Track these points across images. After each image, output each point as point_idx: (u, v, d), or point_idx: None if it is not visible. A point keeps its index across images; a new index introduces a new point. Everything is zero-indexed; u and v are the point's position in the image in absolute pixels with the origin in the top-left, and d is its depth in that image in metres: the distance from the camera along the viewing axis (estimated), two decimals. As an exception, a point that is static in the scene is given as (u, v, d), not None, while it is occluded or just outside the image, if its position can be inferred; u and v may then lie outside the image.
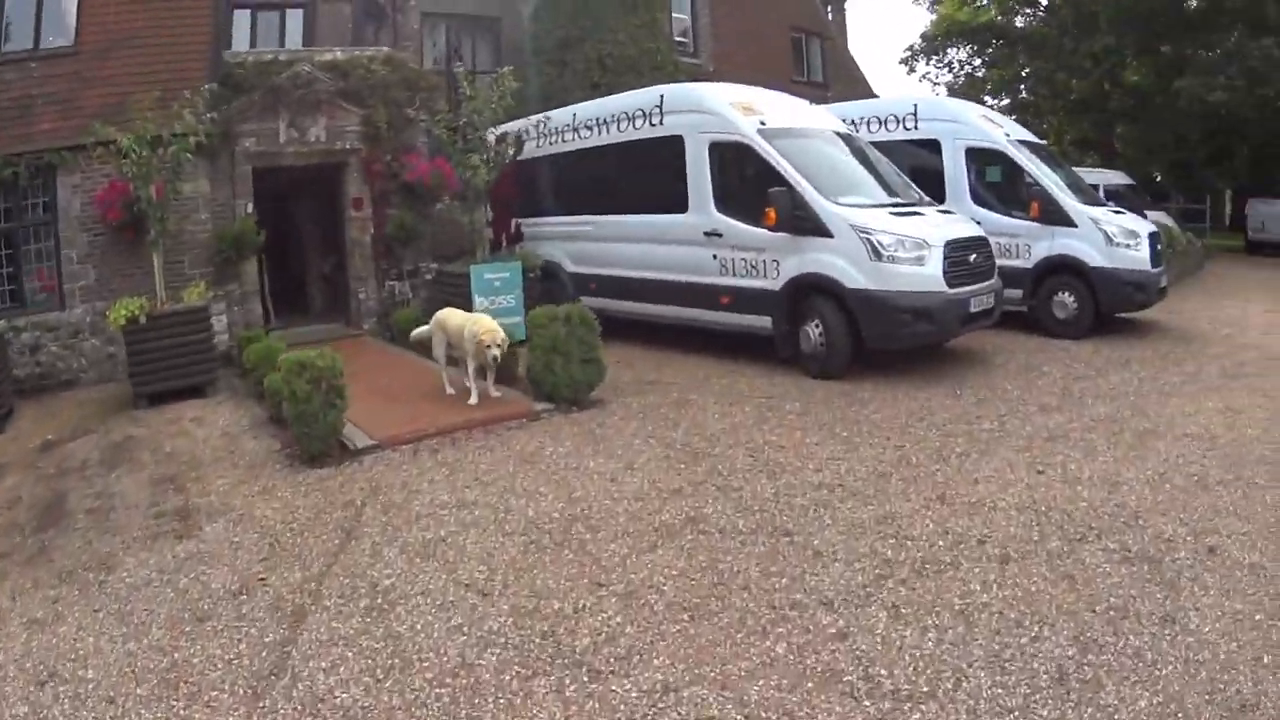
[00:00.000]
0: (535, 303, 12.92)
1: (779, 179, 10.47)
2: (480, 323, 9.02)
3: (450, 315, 9.60)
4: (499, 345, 8.80)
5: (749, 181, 11.01)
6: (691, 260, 11.61)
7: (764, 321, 10.96)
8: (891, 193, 11.23)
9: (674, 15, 21.42)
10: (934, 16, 41.07)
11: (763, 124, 11.16)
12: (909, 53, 39.89)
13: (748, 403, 9.32)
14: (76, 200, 12.44)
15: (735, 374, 10.72)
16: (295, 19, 16.89)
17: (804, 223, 10.23)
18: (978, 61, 38.93)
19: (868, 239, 9.94)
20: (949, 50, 39.22)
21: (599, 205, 13.19)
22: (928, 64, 39.87)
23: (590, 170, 13.47)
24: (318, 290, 17.26)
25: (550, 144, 14.29)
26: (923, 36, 39.66)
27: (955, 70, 39.84)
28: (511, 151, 13.44)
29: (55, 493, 7.66)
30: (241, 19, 16.51)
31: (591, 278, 13.38)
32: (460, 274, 12.58)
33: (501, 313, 12.07)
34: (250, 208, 13.87)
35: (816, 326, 10.32)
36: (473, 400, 9.25)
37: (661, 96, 12.33)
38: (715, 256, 11.36)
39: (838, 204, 10.32)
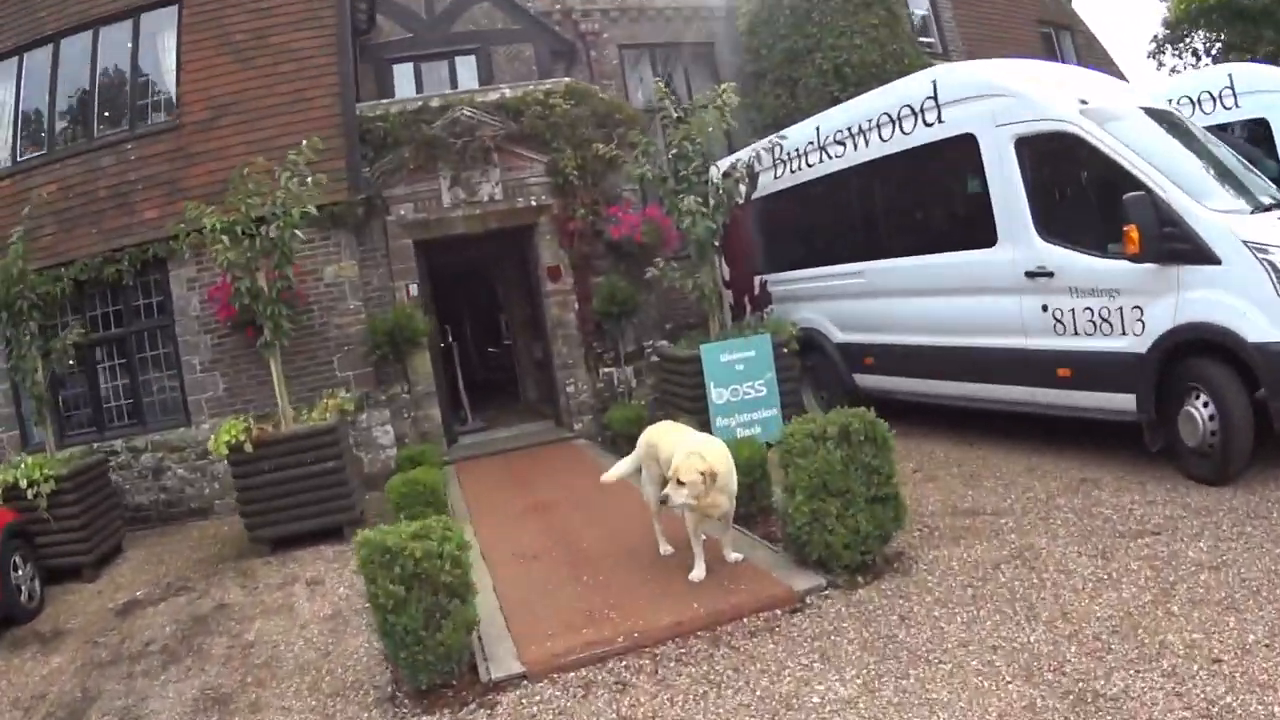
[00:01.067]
0: (795, 387, 9.33)
1: (1131, 181, 6.45)
2: (685, 446, 5.51)
3: (662, 436, 6.01)
4: (704, 481, 5.23)
5: (1083, 190, 7.35)
6: (1009, 315, 7.53)
7: (1123, 401, 6.76)
8: (1251, 190, 6.90)
9: (912, 12, 17.37)
10: (1169, 1, 35.84)
11: (1084, 103, 7.10)
12: (1154, 43, 34.89)
13: (1127, 548, 5.41)
14: (194, 297, 10.09)
15: (1085, 481, 6.86)
16: (467, 66, 14.26)
17: (1176, 244, 6.25)
18: (1218, 47, 33.20)
19: (1270, 264, 5.86)
20: (1191, 36, 33.80)
21: (868, 248, 9.25)
22: (1174, 53, 34.54)
23: (849, 200, 9.58)
24: (530, 381, 14.34)
25: (791, 172, 10.48)
26: (1164, 24, 34.69)
27: (1200, 56, 34.28)
28: (743, 187, 9.82)
29: (86, 695, 5.56)
30: (404, 74, 14.03)
31: (867, 349, 9.39)
32: (685, 358, 8.99)
33: (745, 406, 8.48)
34: (414, 289, 11.00)
35: (1205, 404, 6.23)
36: (695, 575, 5.60)
37: (934, 83, 8.29)
38: (1046, 308, 7.23)
39: (1215, 211, 6.26)
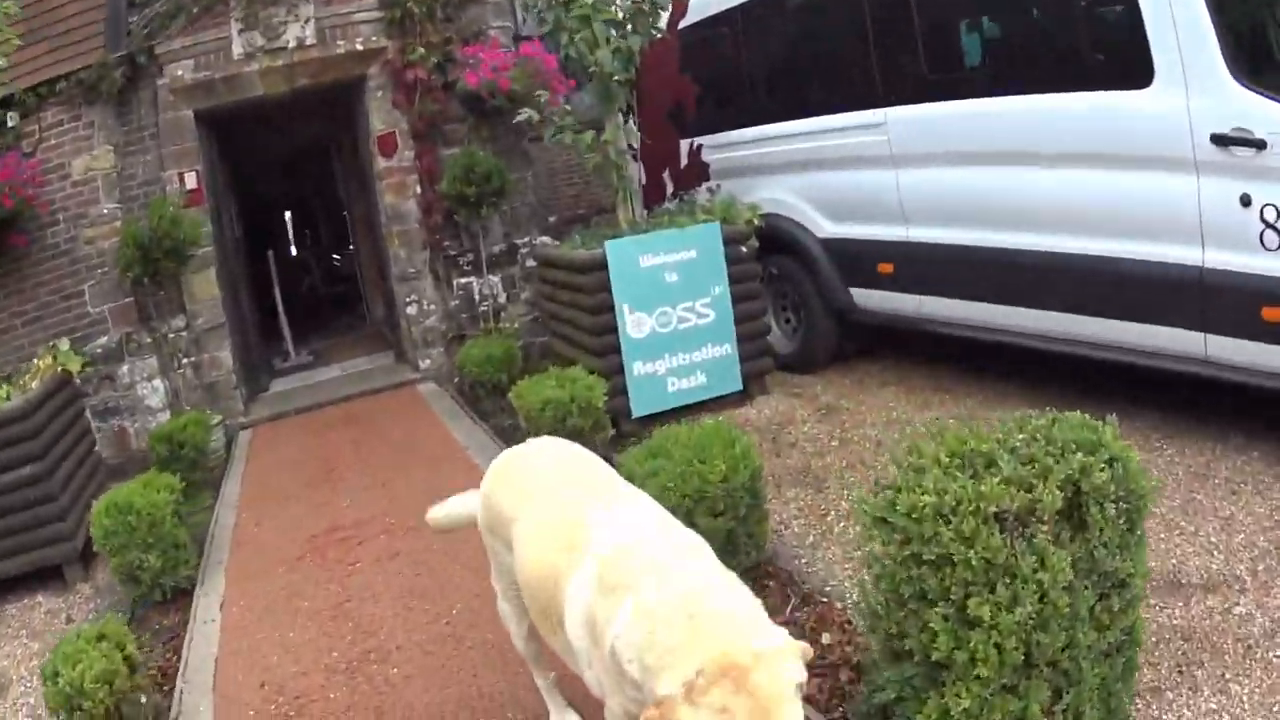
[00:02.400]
0: (758, 309, 6.23)
1: None
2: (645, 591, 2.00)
3: (522, 493, 2.58)
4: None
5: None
6: (1173, 208, 4.27)
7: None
8: None
9: None
10: None
11: None
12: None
13: None
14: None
15: None
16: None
17: None
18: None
19: None
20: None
21: (895, 84, 5.69)
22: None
23: (860, 9, 5.91)
24: (377, 295, 11.02)
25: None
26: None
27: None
28: (663, 11, 6.51)
29: None
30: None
31: (882, 250, 5.95)
32: (582, 263, 5.79)
33: (681, 342, 5.45)
34: (192, 179, 7.60)
35: None
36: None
37: None
38: (1248, 200, 4.06)
39: None
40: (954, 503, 2.08)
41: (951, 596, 2.08)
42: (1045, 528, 2.14)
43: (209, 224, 7.70)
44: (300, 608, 4.35)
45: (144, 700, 3.63)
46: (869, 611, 2.40)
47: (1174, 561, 3.59)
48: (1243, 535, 3.68)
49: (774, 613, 3.42)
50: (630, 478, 3.12)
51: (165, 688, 3.95)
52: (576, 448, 2.72)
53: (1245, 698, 2.83)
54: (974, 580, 2.04)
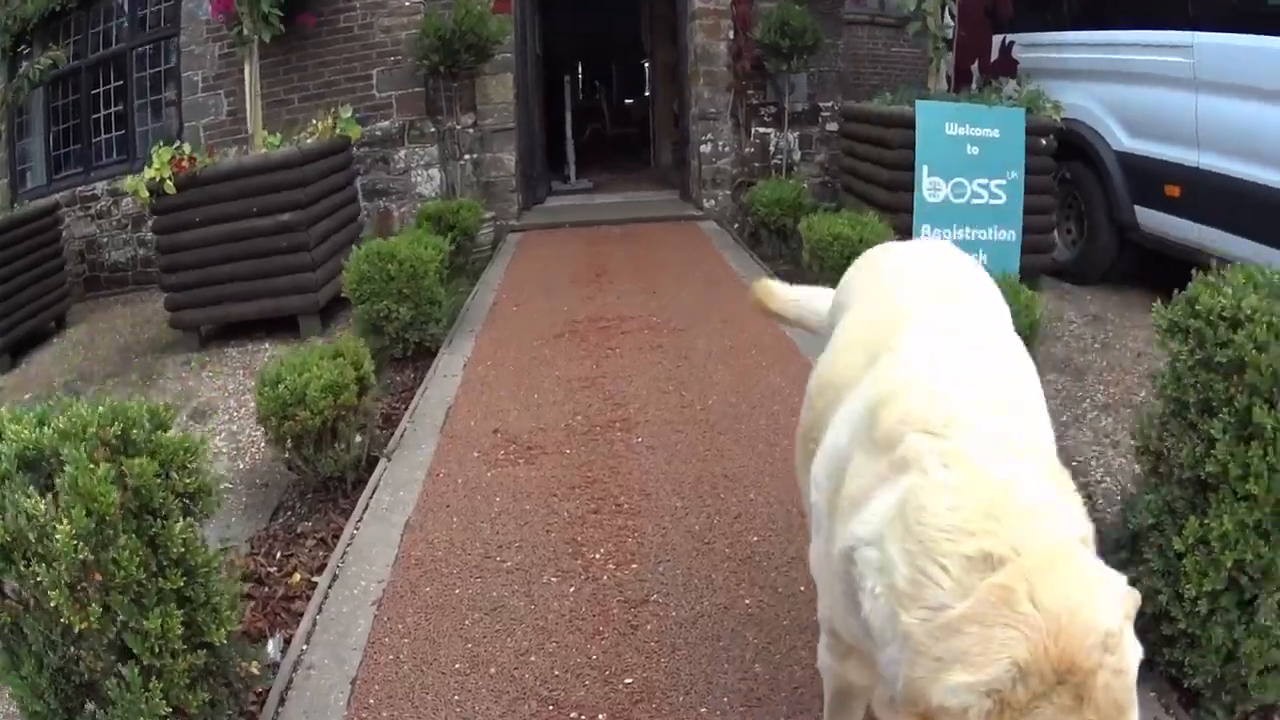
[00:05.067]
0: (1048, 205, 6.18)
1: None
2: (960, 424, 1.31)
3: (865, 291, 1.95)
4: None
5: None
6: None
7: None
8: None
9: None
10: None
11: None
12: None
13: None
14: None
15: None
16: None
17: None
18: None
19: None
20: None
21: (1205, 7, 5.37)
22: None
23: None
24: (667, 141, 11.47)
25: None
26: None
27: None
28: None
29: None
30: None
31: (1172, 171, 5.66)
32: (889, 117, 5.98)
33: (971, 216, 5.58)
34: None
35: None
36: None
37: None
38: None
39: None
40: (1250, 310, 2.10)
41: (1235, 404, 2.08)
42: None
43: (512, 32, 7.97)
44: (550, 375, 4.52)
45: (364, 425, 3.57)
46: (1140, 432, 2.40)
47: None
48: None
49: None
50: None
51: (388, 432, 4.01)
52: (961, 255, 2.04)
53: None
54: (1260, 388, 2.05)
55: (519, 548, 3.00)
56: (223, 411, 4.67)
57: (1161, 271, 6.14)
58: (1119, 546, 2.44)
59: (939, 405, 1.29)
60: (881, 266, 2.00)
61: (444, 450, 3.73)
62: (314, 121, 6.45)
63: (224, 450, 4.19)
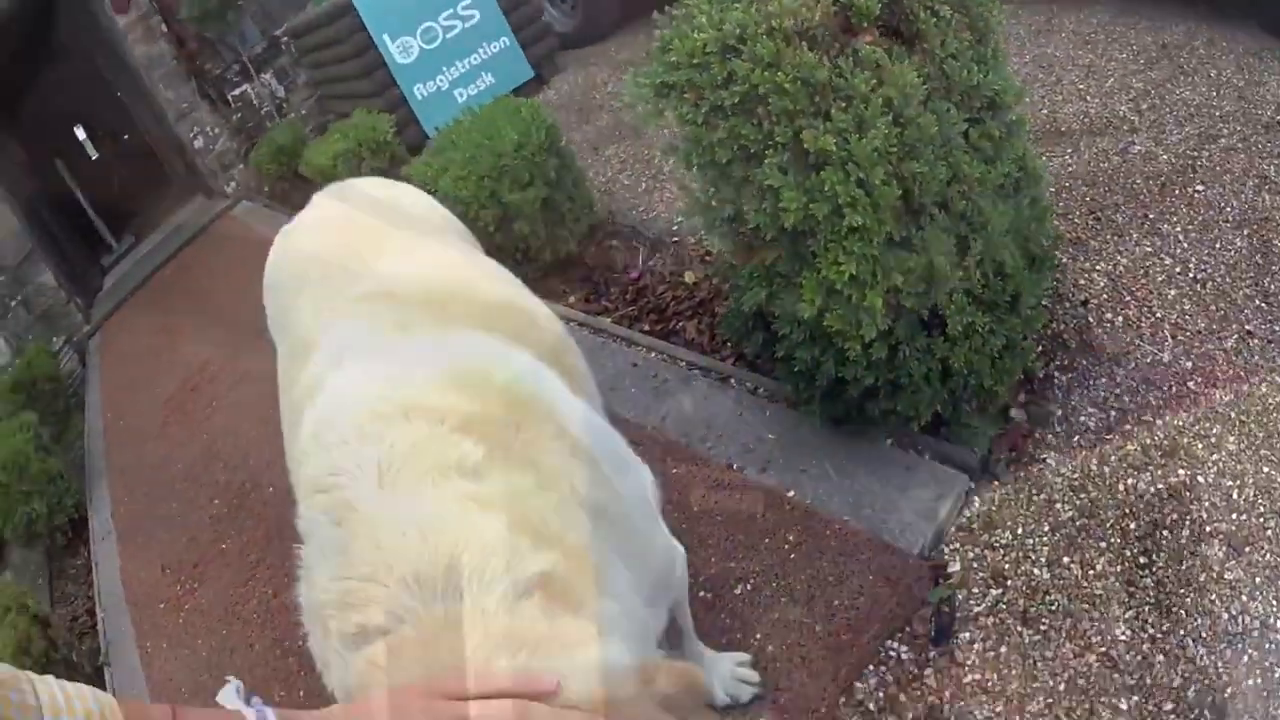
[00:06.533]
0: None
1: None
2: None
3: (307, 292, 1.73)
4: None
5: None
6: None
7: None
8: None
9: None
10: None
11: None
12: None
13: None
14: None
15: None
16: None
17: None
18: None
19: None
20: None
21: None
22: None
23: None
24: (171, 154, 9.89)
25: None
26: None
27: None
28: None
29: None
30: None
31: None
32: (326, 13, 5.63)
33: (453, 51, 5.42)
34: None
35: None
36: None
37: None
38: None
39: None
40: (738, 30, 1.67)
41: (777, 139, 1.66)
42: (869, 39, 1.71)
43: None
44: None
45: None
46: (699, 207, 1.96)
47: (1045, 111, 3.34)
48: (1113, 79, 3.41)
49: (628, 268, 3.43)
50: (423, 185, 2.97)
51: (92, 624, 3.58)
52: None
53: (1180, 236, 2.58)
54: (797, 108, 1.63)
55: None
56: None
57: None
58: (744, 333, 2.30)
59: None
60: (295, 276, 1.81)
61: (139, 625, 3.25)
62: None
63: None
